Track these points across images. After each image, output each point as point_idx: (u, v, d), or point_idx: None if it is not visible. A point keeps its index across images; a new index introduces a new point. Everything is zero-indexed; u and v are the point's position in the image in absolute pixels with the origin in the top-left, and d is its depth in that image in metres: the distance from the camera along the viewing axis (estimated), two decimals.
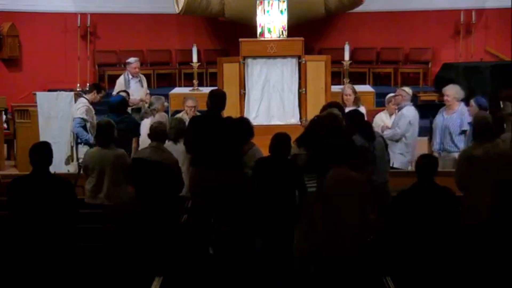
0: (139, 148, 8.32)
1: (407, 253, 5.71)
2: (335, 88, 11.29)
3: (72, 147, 9.60)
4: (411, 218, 5.70)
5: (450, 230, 5.70)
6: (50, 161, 5.68)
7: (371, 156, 6.85)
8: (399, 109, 9.04)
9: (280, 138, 6.51)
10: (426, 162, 5.84)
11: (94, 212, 6.89)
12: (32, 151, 5.64)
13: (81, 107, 9.35)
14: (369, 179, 6.21)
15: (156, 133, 7.35)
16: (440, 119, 8.84)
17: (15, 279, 5.53)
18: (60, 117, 10.08)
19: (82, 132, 9.17)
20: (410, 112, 8.93)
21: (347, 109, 8.94)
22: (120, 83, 10.96)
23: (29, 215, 5.55)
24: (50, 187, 5.57)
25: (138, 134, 8.76)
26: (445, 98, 8.85)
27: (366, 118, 7.93)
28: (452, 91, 8.85)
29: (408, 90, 9.19)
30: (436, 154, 8.56)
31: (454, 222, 5.77)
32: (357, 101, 9.37)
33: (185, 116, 8.89)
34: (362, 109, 8.87)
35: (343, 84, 13.28)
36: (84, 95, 9.58)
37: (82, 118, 9.23)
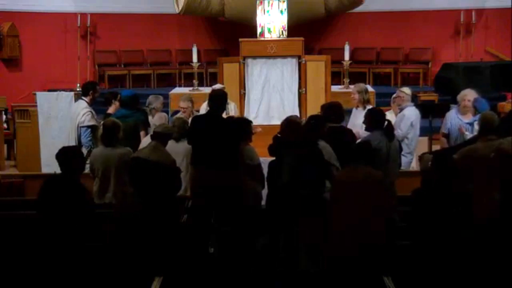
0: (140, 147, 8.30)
1: (415, 253, 5.72)
2: (335, 88, 11.28)
3: None
4: (427, 217, 5.70)
5: (461, 230, 5.70)
6: (76, 166, 5.93)
7: (384, 156, 6.89)
8: (400, 110, 9.01)
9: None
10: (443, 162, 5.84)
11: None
12: (57, 156, 5.96)
13: (85, 113, 9.23)
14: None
15: (160, 134, 7.38)
16: (462, 125, 8.68)
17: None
18: (60, 117, 10.06)
19: (90, 145, 9.14)
20: (411, 113, 8.88)
21: (354, 110, 9.01)
22: (203, 108, 10.68)
23: (51, 216, 5.80)
24: (67, 190, 5.76)
25: (145, 128, 8.75)
26: (466, 103, 8.68)
27: None
28: (473, 95, 8.71)
29: (407, 90, 9.15)
30: None
31: (466, 222, 5.76)
32: (364, 101, 9.15)
33: (183, 116, 8.87)
34: None
35: (343, 84, 13.31)
36: (83, 98, 9.49)
37: (90, 126, 9.19)
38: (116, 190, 7.04)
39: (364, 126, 7.59)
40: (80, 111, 9.30)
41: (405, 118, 8.82)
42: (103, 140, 7.39)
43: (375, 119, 7.19)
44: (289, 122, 6.71)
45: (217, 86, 9.98)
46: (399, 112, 9.04)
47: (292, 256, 6.26)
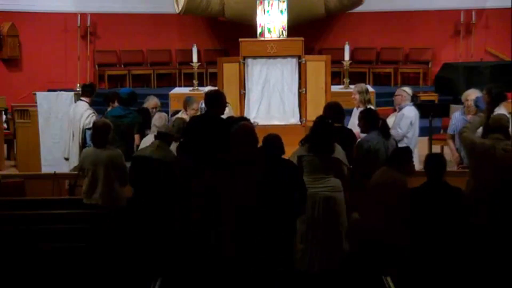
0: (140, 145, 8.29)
1: (411, 252, 5.73)
2: (335, 88, 11.26)
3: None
4: (422, 217, 5.72)
5: (457, 229, 5.71)
6: None
7: (383, 155, 6.92)
8: (400, 109, 9.00)
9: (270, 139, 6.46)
10: (436, 162, 5.87)
11: (93, 212, 6.90)
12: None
13: (89, 115, 9.19)
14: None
15: (164, 134, 7.38)
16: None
17: None
18: (60, 117, 10.08)
19: None
20: (411, 113, 8.86)
21: (355, 109, 8.99)
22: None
23: None
24: None
25: (140, 131, 8.75)
26: (469, 103, 8.66)
27: None
28: (476, 94, 8.69)
29: (408, 90, 9.14)
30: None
31: (462, 221, 5.76)
32: (365, 101, 9.11)
33: (185, 116, 8.87)
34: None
35: (343, 84, 13.32)
36: (83, 99, 9.47)
37: None
38: (103, 191, 7.02)
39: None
40: (84, 113, 9.28)
41: (405, 117, 8.80)
42: (94, 141, 7.36)
43: (370, 120, 7.19)
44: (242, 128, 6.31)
45: (208, 88, 10.06)
46: (399, 111, 9.02)
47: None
